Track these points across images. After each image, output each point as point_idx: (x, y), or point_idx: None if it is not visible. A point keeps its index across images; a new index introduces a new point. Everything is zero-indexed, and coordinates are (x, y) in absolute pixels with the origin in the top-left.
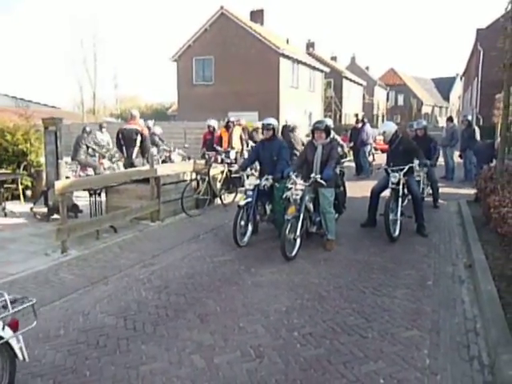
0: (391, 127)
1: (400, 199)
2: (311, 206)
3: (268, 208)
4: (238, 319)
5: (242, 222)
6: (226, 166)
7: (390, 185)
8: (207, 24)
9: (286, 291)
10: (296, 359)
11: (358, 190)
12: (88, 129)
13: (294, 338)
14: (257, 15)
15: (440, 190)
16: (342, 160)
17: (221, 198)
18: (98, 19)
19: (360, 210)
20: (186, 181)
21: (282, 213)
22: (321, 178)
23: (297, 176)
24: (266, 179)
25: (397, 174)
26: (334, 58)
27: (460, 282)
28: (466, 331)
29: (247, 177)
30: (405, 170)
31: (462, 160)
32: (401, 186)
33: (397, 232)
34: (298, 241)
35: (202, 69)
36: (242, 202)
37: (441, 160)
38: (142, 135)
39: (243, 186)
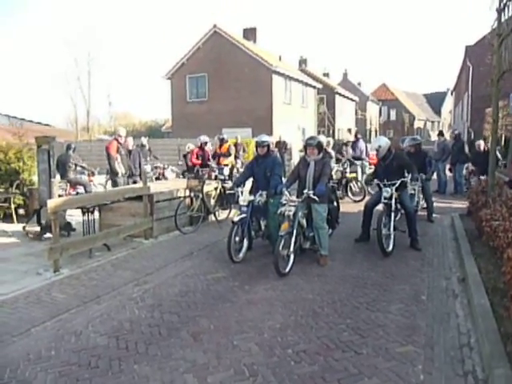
0: (386, 142)
1: (393, 214)
2: (304, 222)
3: (262, 224)
4: (231, 337)
5: (237, 238)
6: (220, 182)
7: (383, 200)
8: (200, 42)
9: (279, 308)
10: (290, 377)
11: (352, 204)
12: (73, 145)
13: (288, 356)
14: (250, 33)
15: (434, 204)
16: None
17: (215, 215)
18: (92, 37)
19: (354, 225)
20: (179, 198)
21: (276, 228)
22: (314, 194)
23: (289, 192)
24: (261, 195)
25: (389, 189)
26: (326, 75)
27: (454, 296)
28: (460, 346)
29: (241, 193)
30: (397, 185)
31: (452, 174)
32: (393, 201)
33: (390, 247)
34: (292, 257)
35: (195, 86)
36: (237, 218)
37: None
38: (107, 153)
39: (237, 202)
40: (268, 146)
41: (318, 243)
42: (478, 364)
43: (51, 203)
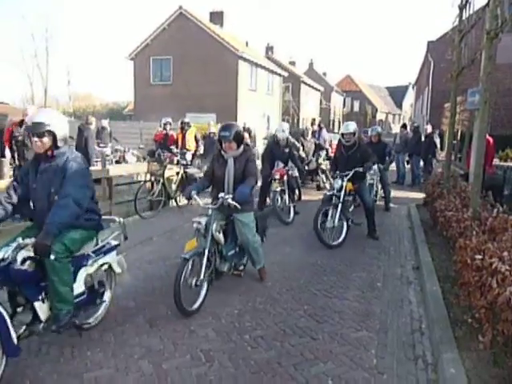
0: (355, 127)
1: (340, 206)
2: (221, 237)
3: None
4: (188, 323)
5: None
6: (182, 167)
7: (334, 191)
8: (166, 23)
9: (238, 294)
10: (246, 362)
11: (314, 193)
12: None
13: (245, 341)
14: (216, 17)
15: (391, 194)
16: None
17: (176, 200)
18: (51, 13)
19: (314, 213)
20: (139, 182)
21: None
22: (233, 199)
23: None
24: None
25: (340, 181)
26: (292, 63)
27: (408, 284)
28: (412, 331)
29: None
30: (349, 176)
31: (410, 165)
32: (342, 193)
33: (340, 238)
34: (204, 287)
35: (159, 69)
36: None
37: (392, 165)
38: None
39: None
40: (54, 135)
41: (251, 260)
42: (428, 349)
43: (1, 184)
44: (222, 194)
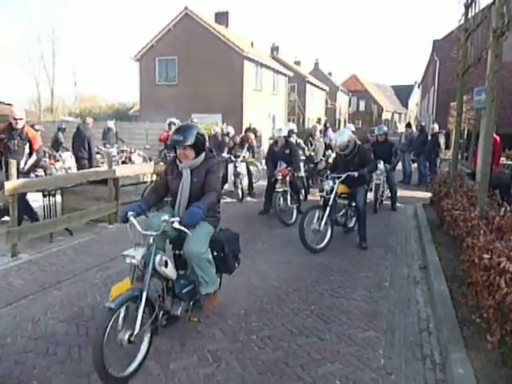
0: (350, 135)
1: (328, 208)
2: (170, 271)
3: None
4: (195, 323)
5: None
6: None
7: (324, 193)
8: (171, 24)
9: (245, 294)
10: (254, 363)
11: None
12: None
13: (252, 342)
14: (222, 17)
15: (398, 194)
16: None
17: None
18: (57, 15)
19: None
20: (146, 182)
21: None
22: (181, 223)
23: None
24: None
25: (331, 182)
26: (297, 63)
27: (415, 283)
28: (420, 331)
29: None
30: (342, 179)
31: (416, 164)
32: (332, 195)
33: (323, 243)
34: (145, 341)
35: (165, 69)
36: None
37: (398, 165)
38: None
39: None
40: None
41: (198, 281)
42: (436, 348)
43: (9, 185)
44: (164, 217)
